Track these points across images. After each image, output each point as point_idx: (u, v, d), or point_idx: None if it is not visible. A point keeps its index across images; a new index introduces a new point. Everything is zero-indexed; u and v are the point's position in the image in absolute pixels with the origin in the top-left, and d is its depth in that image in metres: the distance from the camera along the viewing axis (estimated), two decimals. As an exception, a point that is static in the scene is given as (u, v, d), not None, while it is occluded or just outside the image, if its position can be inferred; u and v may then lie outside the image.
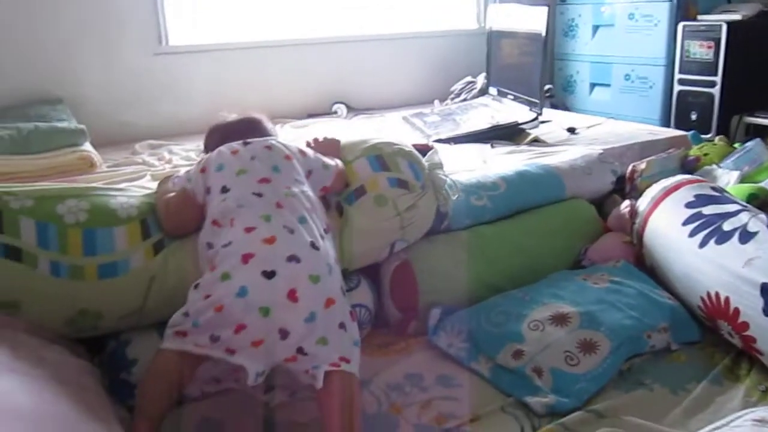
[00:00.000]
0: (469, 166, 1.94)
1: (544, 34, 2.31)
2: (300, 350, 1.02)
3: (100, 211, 1.19)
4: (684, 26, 2.89)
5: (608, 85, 3.27)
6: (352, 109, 2.92)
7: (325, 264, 1.09)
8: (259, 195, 1.14)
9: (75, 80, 2.45)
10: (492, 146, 2.25)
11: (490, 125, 2.40)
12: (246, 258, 1.03)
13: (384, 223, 1.37)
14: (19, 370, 0.86)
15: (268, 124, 1.42)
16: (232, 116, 1.41)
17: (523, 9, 2.58)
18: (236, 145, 1.25)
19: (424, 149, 1.56)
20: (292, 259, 1.05)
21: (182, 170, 1.32)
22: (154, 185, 1.42)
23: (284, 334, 1.01)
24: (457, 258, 1.51)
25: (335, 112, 2.88)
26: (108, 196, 1.24)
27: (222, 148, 1.25)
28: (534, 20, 2.39)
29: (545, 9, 2.31)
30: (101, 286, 1.14)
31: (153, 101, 2.60)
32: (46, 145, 1.96)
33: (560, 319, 1.29)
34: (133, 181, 1.85)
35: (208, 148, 1.32)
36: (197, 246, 1.19)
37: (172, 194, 1.26)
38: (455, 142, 2.29)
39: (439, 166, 1.52)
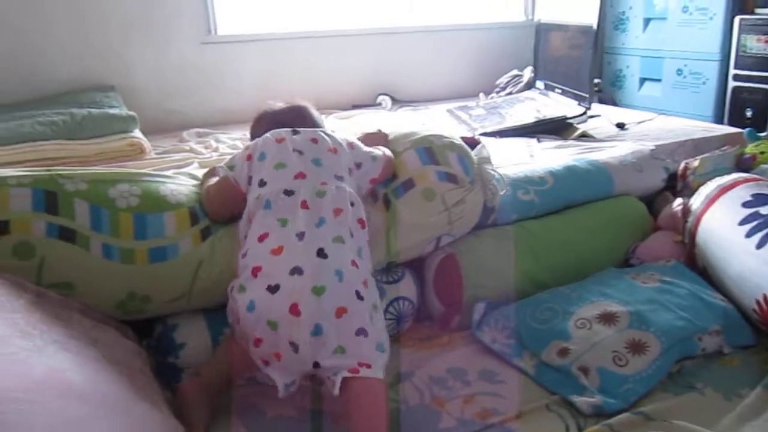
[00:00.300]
0: (516, 160, 1.91)
1: (595, 26, 2.26)
2: (316, 365, 1.03)
3: (151, 197, 1.21)
4: (741, 20, 2.79)
5: (659, 80, 3.19)
6: (397, 101, 2.91)
7: (333, 272, 1.06)
8: (290, 193, 1.15)
9: (126, 68, 2.49)
10: (538, 140, 2.21)
11: (536, 119, 2.36)
12: (255, 271, 1.06)
13: (432, 218, 1.36)
14: (72, 350, 0.88)
15: (315, 112, 1.42)
16: (279, 104, 1.41)
17: (575, 1, 2.52)
18: (284, 132, 1.25)
19: (472, 143, 1.54)
20: (295, 271, 1.04)
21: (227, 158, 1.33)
22: (201, 173, 1.43)
23: (294, 347, 1.02)
24: (503, 253, 1.49)
25: (380, 104, 2.87)
26: (158, 182, 1.26)
27: (269, 135, 1.25)
28: (585, 12, 2.34)
29: (597, 1, 2.26)
30: (151, 269, 1.16)
31: (200, 90, 2.64)
32: (98, 131, 2.00)
33: (608, 318, 1.26)
34: (181, 168, 1.87)
35: (255, 136, 1.33)
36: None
37: (214, 182, 1.28)
38: (501, 136, 2.26)
39: (488, 160, 1.50)
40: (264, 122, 1.36)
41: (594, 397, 1.12)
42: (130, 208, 1.18)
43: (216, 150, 2.19)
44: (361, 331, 1.05)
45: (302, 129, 1.27)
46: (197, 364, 1.19)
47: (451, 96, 3.07)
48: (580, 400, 1.12)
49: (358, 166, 1.27)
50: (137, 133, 2.09)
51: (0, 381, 0.66)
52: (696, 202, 1.54)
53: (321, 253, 1.07)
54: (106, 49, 2.46)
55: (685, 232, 1.56)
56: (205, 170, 1.39)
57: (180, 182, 1.31)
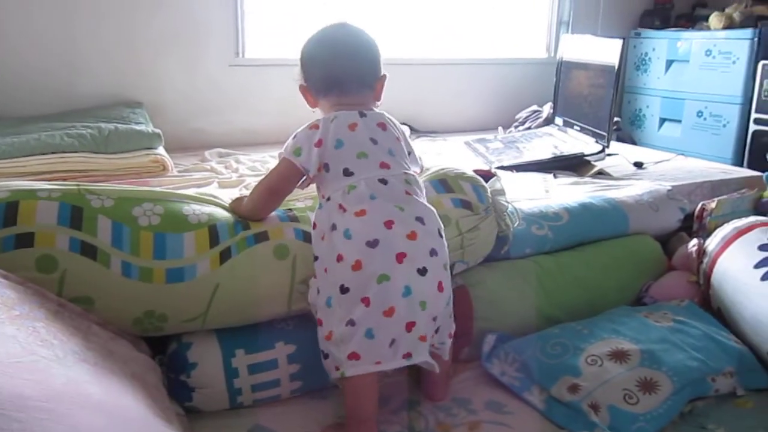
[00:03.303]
0: (532, 195, 1.92)
1: (617, 67, 2.28)
2: (437, 330, 1.16)
3: (172, 217, 1.21)
4: (764, 65, 2.81)
5: (679, 121, 3.20)
6: (416, 131, 2.94)
7: (446, 249, 1.19)
8: (384, 182, 1.17)
9: (155, 86, 2.55)
10: (555, 176, 2.22)
11: (553, 155, 2.37)
12: (400, 257, 1.10)
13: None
14: (90, 361, 0.89)
15: (375, 53, 1.31)
16: (343, 40, 1.29)
17: (597, 41, 2.55)
18: (353, 116, 1.21)
19: (486, 175, 1.56)
20: (433, 253, 1.14)
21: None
22: (221, 192, 1.45)
23: (435, 319, 1.14)
24: (514, 287, 1.50)
25: (399, 133, 2.89)
26: (182, 202, 1.26)
27: (338, 121, 1.20)
28: (608, 52, 2.36)
29: (620, 42, 2.28)
30: (168, 289, 1.16)
31: (225, 110, 2.68)
32: (123, 146, 2.04)
33: (620, 356, 1.26)
34: (201, 188, 1.90)
35: (309, 81, 1.28)
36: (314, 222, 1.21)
37: (272, 173, 1.25)
38: (517, 170, 2.28)
39: (501, 192, 1.51)
40: (321, 73, 1.26)
41: (603, 434, 1.12)
42: (151, 227, 1.18)
43: (236, 171, 2.21)
44: (450, 302, 1.20)
45: (368, 112, 1.24)
46: (206, 385, 1.20)
47: (470, 128, 3.09)
48: (589, 437, 1.12)
49: (408, 154, 1.27)
50: (161, 150, 2.12)
51: (22, 389, 0.68)
52: (712, 243, 1.54)
53: (439, 233, 1.18)
54: (138, 67, 2.52)
55: (700, 273, 1.56)
56: (227, 190, 1.39)
57: (205, 202, 1.31)
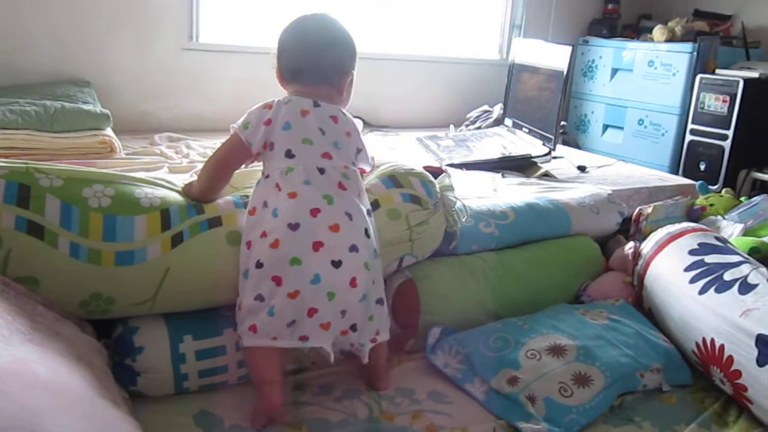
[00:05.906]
0: (480, 193, 1.97)
1: (565, 72, 2.36)
2: (353, 327, 1.17)
3: (124, 199, 1.20)
4: (701, 78, 2.94)
5: (621, 128, 3.33)
6: (368, 125, 2.96)
7: (373, 249, 1.21)
8: (322, 171, 1.20)
9: (105, 65, 2.49)
10: (503, 176, 2.28)
11: (501, 155, 2.44)
12: (317, 246, 1.13)
13: (394, 236, 1.40)
14: (36, 342, 0.89)
15: (350, 55, 1.35)
16: (314, 33, 1.32)
17: (548, 46, 2.63)
18: (307, 104, 1.26)
19: (437, 172, 1.59)
20: (353, 249, 1.16)
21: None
22: (171, 178, 1.43)
23: (344, 313, 1.15)
24: (460, 282, 1.54)
25: (351, 126, 2.91)
26: (134, 185, 1.25)
27: (291, 104, 1.25)
28: (557, 58, 2.44)
29: (569, 48, 2.36)
30: (117, 272, 1.15)
31: (176, 95, 2.64)
32: (69, 126, 1.99)
33: (557, 350, 1.32)
34: (150, 172, 1.88)
35: (279, 66, 1.32)
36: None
37: (222, 145, 1.29)
38: (467, 169, 2.33)
39: (450, 188, 1.55)
40: (292, 63, 1.30)
41: (539, 424, 1.17)
42: (101, 209, 1.16)
43: (186, 156, 2.19)
44: (380, 301, 1.24)
45: (323, 103, 1.27)
46: (152, 370, 1.19)
47: (422, 125, 3.13)
48: (525, 427, 1.16)
49: (358, 151, 1.31)
50: (109, 131, 2.08)
51: (-32, 366, 0.67)
52: (647, 246, 1.62)
53: (366, 233, 1.20)
54: (87, 44, 2.45)
55: (634, 274, 1.64)
56: (177, 175, 1.39)
57: (158, 185, 1.30)
